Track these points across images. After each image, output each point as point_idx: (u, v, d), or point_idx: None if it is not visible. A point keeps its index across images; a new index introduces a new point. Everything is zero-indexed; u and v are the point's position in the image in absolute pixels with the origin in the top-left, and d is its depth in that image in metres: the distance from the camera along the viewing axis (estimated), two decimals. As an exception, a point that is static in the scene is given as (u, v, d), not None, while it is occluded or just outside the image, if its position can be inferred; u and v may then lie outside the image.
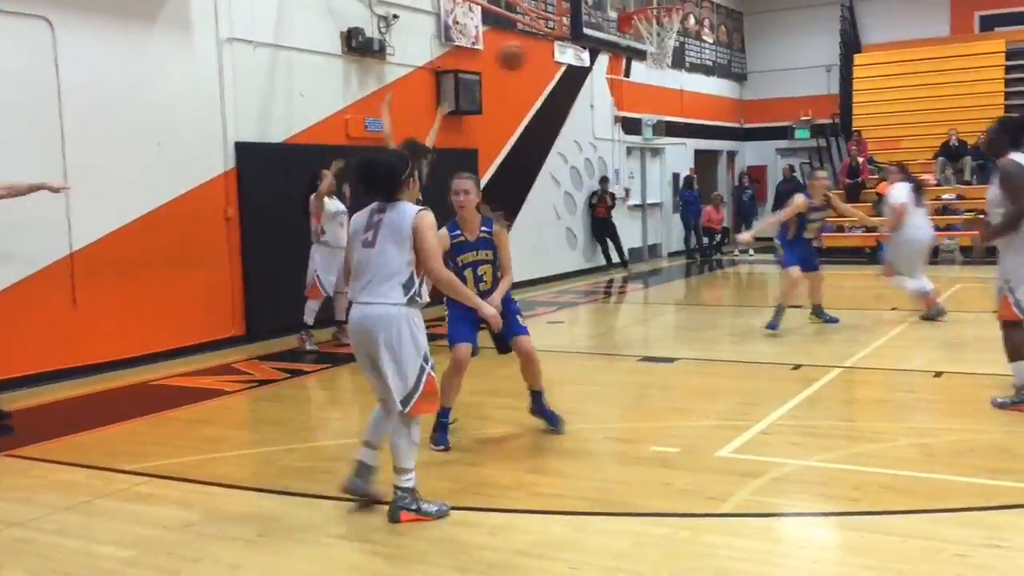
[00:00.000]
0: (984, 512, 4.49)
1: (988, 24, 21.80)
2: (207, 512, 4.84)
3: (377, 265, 4.45)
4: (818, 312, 10.42)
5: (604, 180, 17.31)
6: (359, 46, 11.51)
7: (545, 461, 5.59)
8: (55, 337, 8.33)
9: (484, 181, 13.55)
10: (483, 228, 5.84)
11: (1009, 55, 20.65)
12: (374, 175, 4.51)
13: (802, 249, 10.17)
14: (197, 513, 4.82)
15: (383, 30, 11.98)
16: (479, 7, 13.57)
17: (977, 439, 5.78)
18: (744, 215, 20.97)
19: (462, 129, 13.21)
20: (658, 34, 12.10)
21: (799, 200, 10.06)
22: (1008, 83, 20.53)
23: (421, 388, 4.45)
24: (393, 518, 4.51)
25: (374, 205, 4.58)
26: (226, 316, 10.04)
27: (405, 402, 4.44)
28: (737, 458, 5.47)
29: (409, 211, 4.48)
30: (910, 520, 4.39)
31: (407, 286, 4.43)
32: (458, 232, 5.83)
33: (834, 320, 10.31)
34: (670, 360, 8.63)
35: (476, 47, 13.72)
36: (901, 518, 4.42)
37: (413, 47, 12.58)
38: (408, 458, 4.53)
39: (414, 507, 4.50)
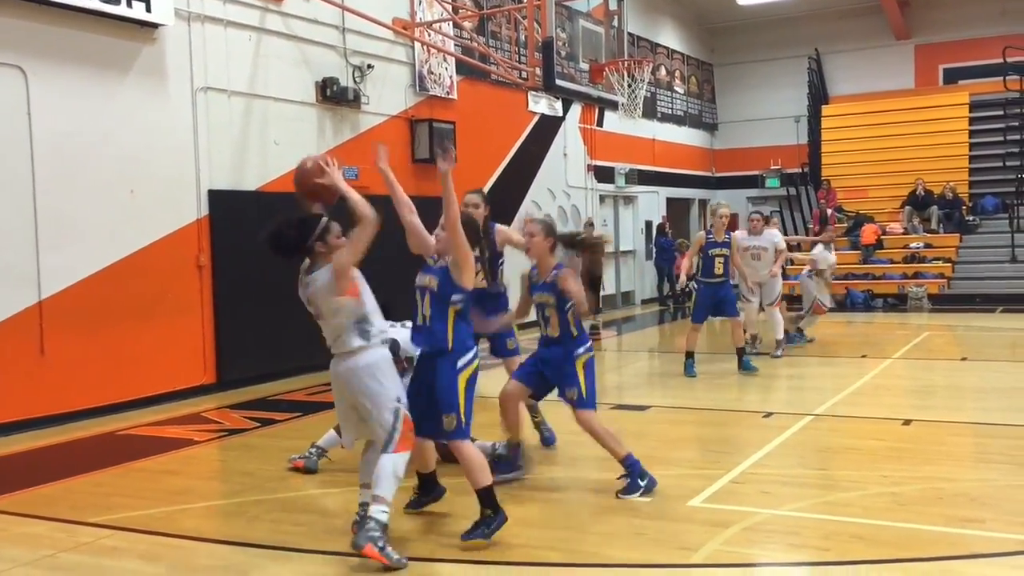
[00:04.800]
0: (954, 562, 4.51)
1: (952, 77, 22.34)
2: (174, 566, 4.76)
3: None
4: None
5: (589, 225, 17.40)
6: (334, 95, 11.60)
7: (516, 510, 5.55)
8: (21, 386, 8.23)
9: (458, 229, 13.59)
10: (553, 271, 5.85)
11: (972, 107, 21.15)
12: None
13: (712, 294, 10.24)
14: (164, 567, 4.75)
15: (358, 80, 12.08)
16: (453, 58, 13.74)
17: (946, 488, 5.81)
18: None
19: (436, 178, 13.23)
20: (629, 85, 12.26)
21: (699, 235, 10.44)
22: (972, 134, 21.01)
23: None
24: (358, 544, 4.47)
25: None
26: (197, 364, 9.96)
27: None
28: (708, 507, 5.47)
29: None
30: (879, 570, 4.41)
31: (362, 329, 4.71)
32: (536, 271, 6.01)
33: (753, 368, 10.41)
34: (643, 408, 8.64)
35: (451, 96, 13.86)
36: (871, 568, 4.43)
37: (388, 96, 12.69)
38: (388, 488, 4.56)
39: (381, 544, 4.45)
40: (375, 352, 4.71)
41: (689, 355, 10.29)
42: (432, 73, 13.54)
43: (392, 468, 4.58)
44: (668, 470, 6.34)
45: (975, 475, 6.24)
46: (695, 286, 10.33)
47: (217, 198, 10.14)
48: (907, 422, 7.70)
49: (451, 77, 13.91)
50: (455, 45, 13.99)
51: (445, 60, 13.75)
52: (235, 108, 10.49)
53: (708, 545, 4.77)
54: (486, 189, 14.69)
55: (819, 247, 12.89)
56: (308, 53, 11.47)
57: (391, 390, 4.69)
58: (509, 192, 15.50)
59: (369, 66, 12.23)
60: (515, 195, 15.76)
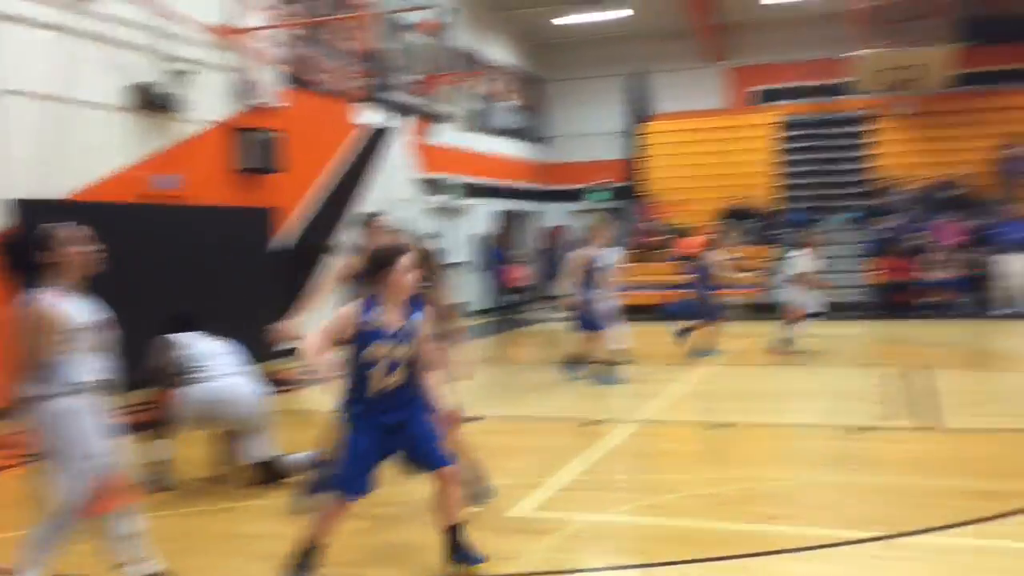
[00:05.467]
0: (764, 558, 4.70)
1: (762, 98, 23.72)
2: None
3: None
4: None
5: (422, 238, 17.21)
6: (148, 101, 11.07)
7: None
8: None
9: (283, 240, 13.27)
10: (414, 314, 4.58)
11: (782, 126, 22.45)
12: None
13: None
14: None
15: (176, 86, 11.57)
16: (280, 67, 13.39)
17: (761, 487, 6.07)
18: (548, 275, 21.51)
19: (260, 187, 12.89)
20: (459, 99, 12.34)
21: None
22: (782, 152, 22.29)
23: None
24: None
25: None
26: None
27: None
28: (532, 516, 5.50)
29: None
30: (695, 569, 4.54)
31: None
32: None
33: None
34: (475, 419, 8.61)
35: (276, 106, 13.49)
36: (680, 568, 4.56)
37: (209, 104, 12.22)
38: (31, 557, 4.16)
39: None
40: (60, 402, 4.10)
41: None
42: (256, 81, 13.14)
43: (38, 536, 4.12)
44: (494, 480, 6.34)
45: (787, 475, 6.54)
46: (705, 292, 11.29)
47: (22, 208, 9.47)
48: (727, 425, 8.01)
49: (277, 86, 13.55)
50: (281, 54, 13.65)
51: (271, 68, 13.38)
52: (41, 113, 9.84)
53: (529, 554, 4.79)
54: (311, 200, 14.50)
55: (796, 253, 13.13)
56: (121, 57, 10.90)
57: (76, 446, 4.08)
58: (337, 203, 15.24)
59: (189, 72, 11.74)
60: (343, 207, 15.50)
